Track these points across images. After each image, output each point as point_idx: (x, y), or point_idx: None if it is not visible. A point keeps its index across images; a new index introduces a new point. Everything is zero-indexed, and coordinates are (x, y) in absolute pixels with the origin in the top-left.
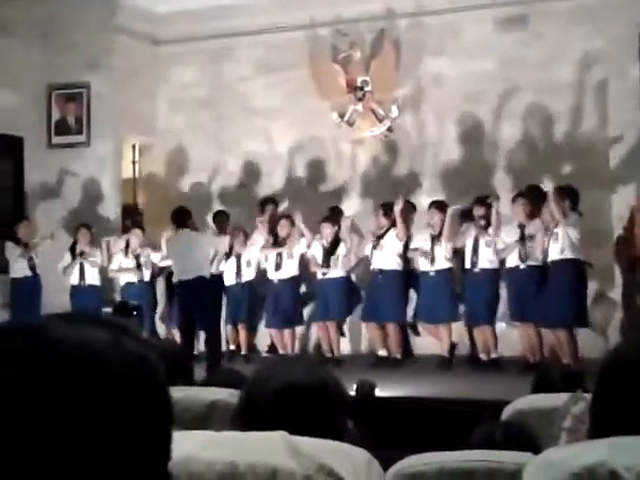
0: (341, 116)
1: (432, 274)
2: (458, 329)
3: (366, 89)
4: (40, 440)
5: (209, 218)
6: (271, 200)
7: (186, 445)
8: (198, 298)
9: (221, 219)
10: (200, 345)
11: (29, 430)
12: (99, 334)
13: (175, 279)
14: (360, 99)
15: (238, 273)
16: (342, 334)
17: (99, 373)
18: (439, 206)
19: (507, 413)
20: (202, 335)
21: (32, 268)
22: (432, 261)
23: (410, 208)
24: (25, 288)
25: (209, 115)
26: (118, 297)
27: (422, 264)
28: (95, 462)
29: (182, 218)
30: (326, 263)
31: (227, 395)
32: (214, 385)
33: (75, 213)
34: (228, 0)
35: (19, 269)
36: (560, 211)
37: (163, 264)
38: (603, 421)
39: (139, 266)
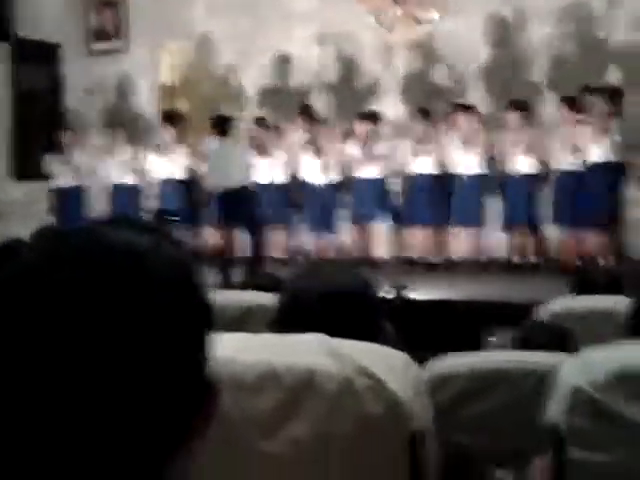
0: (380, 20)
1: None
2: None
3: None
4: (91, 338)
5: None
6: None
7: (224, 347)
8: (241, 205)
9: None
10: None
11: (83, 328)
12: (141, 238)
13: (217, 185)
14: (399, 2)
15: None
16: None
17: (140, 272)
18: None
19: (543, 314)
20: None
21: (75, 177)
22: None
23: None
24: (70, 197)
25: (246, 19)
26: (154, 199)
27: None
28: (139, 360)
29: (221, 126)
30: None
31: (265, 299)
32: (252, 288)
33: (114, 118)
34: None
35: (62, 178)
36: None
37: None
38: None
39: (172, 165)
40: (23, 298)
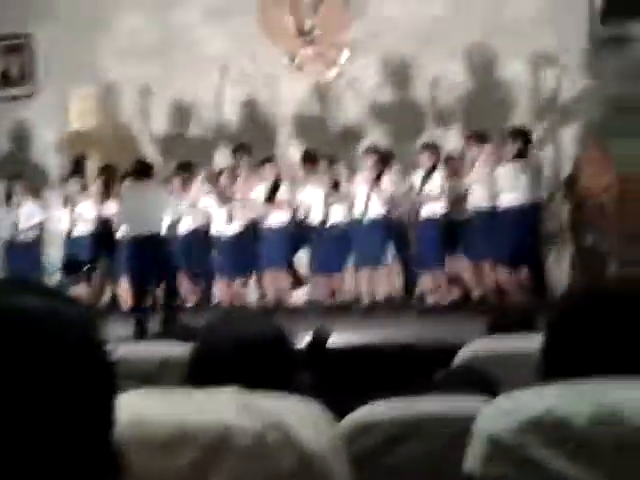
0: (292, 60)
1: (365, 222)
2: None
3: (315, 32)
4: None
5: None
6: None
7: (135, 405)
8: (156, 252)
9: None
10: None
11: None
12: (36, 301)
13: (129, 232)
14: (310, 43)
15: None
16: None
17: (39, 340)
18: (376, 151)
19: (462, 356)
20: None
21: None
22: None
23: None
24: None
25: (157, 63)
26: (55, 252)
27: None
28: (35, 430)
29: (143, 170)
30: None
31: (179, 350)
32: (167, 339)
33: (17, 165)
34: None
35: None
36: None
37: (107, 214)
38: (554, 364)
39: (80, 216)
40: None
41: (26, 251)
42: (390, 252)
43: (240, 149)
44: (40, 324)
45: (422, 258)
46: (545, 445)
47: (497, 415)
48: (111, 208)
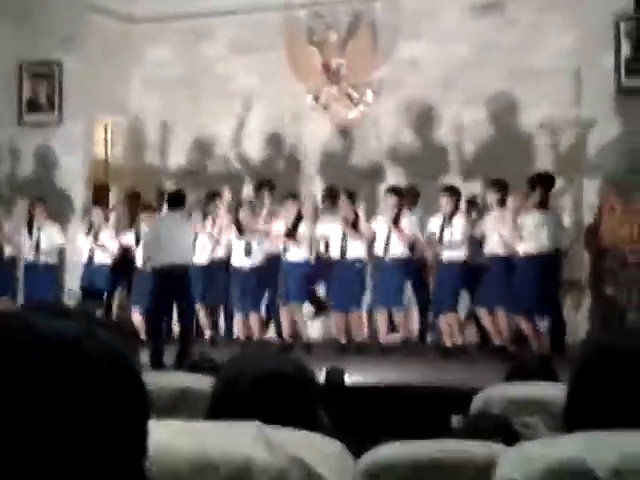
0: (316, 99)
1: (386, 261)
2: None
3: (341, 72)
4: (13, 429)
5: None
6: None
7: (158, 434)
8: (181, 283)
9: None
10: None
11: (13, 421)
12: (73, 325)
13: (156, 262)
14: (335, 82)
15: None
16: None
17: (76, 362)
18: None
19: (478, 401)
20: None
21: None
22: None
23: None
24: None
25: (184, 95)
26: (75, 278)
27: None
28: (69, 454)
29: (178, 201)
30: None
31: (198, 381)
32: (186, 370)
33: (43, 191)
34: None
35: None
36: (529, 204)
37: (126, 244)
38: (579, 414)
39: (101, 246)
40: None
41: (46, 274)
42: (407, 293)
43: (263, 184)
44: (78, 348)
45: (440, 300)
46: None
47: (519, 461)
48: (131, 238)
